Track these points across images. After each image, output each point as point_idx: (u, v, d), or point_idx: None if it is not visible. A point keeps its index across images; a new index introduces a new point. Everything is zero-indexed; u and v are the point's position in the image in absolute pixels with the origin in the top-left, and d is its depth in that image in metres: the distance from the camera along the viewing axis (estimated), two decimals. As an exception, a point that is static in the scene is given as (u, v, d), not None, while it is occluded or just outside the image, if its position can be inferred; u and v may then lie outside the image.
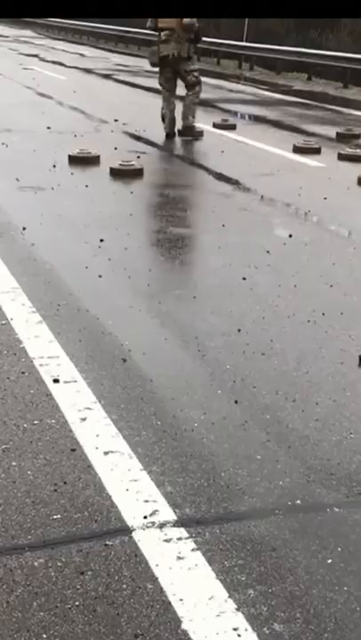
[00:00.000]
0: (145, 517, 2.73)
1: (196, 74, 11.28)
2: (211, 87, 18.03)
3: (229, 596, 2.39)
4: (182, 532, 2.68)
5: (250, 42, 24.12)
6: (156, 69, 11.34)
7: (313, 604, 2.38)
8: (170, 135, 11.25)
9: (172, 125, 11.29)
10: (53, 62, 23.11)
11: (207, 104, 14.95)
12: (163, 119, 11.33)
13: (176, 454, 3.15)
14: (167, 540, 2.63)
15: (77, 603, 2.35)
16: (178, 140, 11.18)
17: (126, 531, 2.67)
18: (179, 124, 11.29)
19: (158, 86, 11.53)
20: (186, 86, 11.33)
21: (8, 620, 2.28)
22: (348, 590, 2.44)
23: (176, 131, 11.33)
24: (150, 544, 2.61)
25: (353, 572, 2.52)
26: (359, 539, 2.68)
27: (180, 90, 11.44)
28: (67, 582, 2.43)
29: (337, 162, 9.91)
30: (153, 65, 11.37)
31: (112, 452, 3.15)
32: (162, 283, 5.24)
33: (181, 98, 11.36)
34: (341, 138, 11.79)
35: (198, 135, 11.27)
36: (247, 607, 2.35)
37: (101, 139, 10.80)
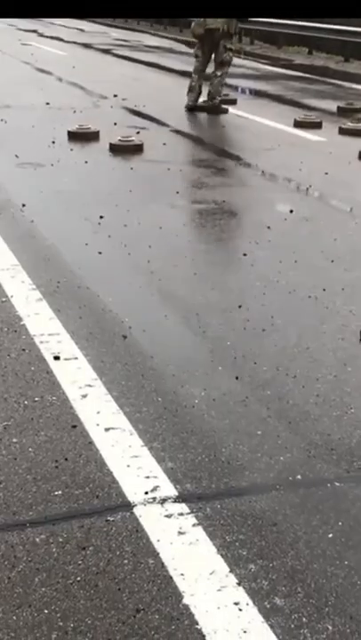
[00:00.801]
0: (146, 493, 2.74)
1: (231, 53, 11.41)
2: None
3: (230, 571, 2.40)
4: (183, 507, 2.68)
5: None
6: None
7: (314, 579, 2.39)
8: (190, 108, 11.25)
9: (197, 99, 11.32)
10: (52, 38, 22.92)
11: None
12: (190, 90, 11.34)
13: (177, 430, 3.16)
14: (168, 516, 2.63)
15: (79, 578, 2.36)
16: (178, 114, 11.10)
17: (127, 506, 2.68)
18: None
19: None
20: (218, 62, 11.34)
21: (10, 596, 2.29)
22: (349, 564, 2.45)
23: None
24: (151, 519, 2.61)
25: (354, 547, 2.53)
26: (360, 513, 2.69)
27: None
28: (68, 558, 2.44)
29: (338, 136, 9.86)
30: (196, 36, 11.47)
31: (113, 428, 3.15)
32: (162, 259, 5.22)
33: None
34: (343, 112, 11.72)
35: (225, 111, 11.37)
36: (248, 582, 2.36)
37: (101, 114, 10.73)
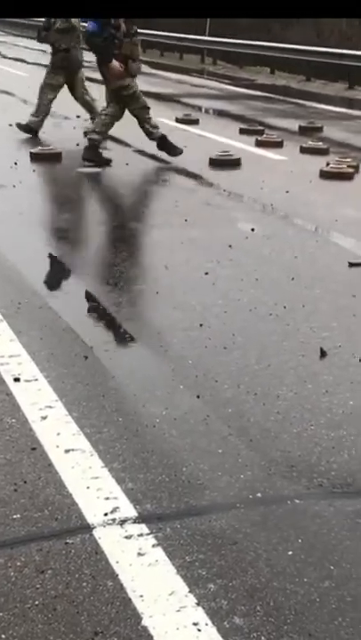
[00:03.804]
0: (105, 515, 2.73)
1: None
2: (173, 82, 18.00)
3: (190, 591, 2.39)
4: (143, 528, 2.67)
5: (212, 36, 24.11)
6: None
7: (273, 597, 2.38)
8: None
9: None
10: (15, 59, 22.90)
11: (170, 99, 14.93)
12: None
13: (137, 450, 3.15)
14: (128, 537, 2.62)
15: (37, 602, 2.34)
16: (141, 134, 11.12)
17: (87, 528, 2.66)
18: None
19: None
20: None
21: (-33, 622, 2.26)
22: (309, 581, 2.45)
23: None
24: (111, 541, 2.60)
25: (313, 564, 2.53)
26: (319, 530, 2.69)
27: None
28: (26, 582, 2.42)
29: (299, 155, 9.93)
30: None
31: (73, 449, 3.13)
32: (124, 279, 5.23)
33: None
34: (304, 131, 11.83)
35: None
36: (208, 601, 2.35)
37: (63, 135, 10.73)
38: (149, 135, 9.16)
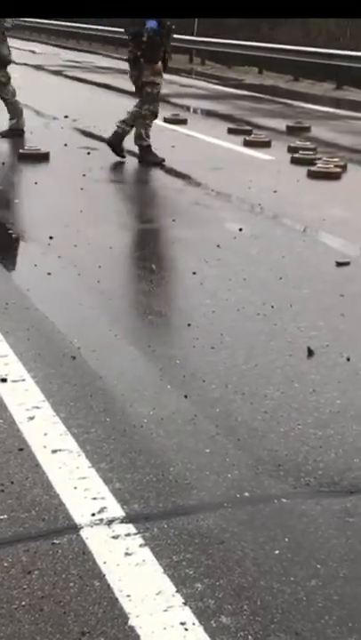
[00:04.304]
0: (93, 515, 2.72)
1: None
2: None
3: (177, 591, 2.39)
4: (130, 528, 2.67)
5: (200, 36, 24.11)
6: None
7: (260, 596, 2.39)
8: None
9: None
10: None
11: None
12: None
13: (125, 450, 3.15)
14: (115, 537, 2.62)
15: (24, 602, 2.33)
16: (128, 135, 11.12)
17: (74, 529, 2.66)
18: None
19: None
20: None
21: None
22: (295, 580, 2.46)
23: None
24: (98, 541, 2.60)
25: (300, 563, 2.54)
26: (306, 529, 2.70)
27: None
28: (13, 582, 2.41)
29: (287, 155, 9.94)
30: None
31: (60, 450, 3.13)
32: (112, 279, 5.23)
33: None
34: (291, 131, 11.85)
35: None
36: (195, 601, 2.35)
37: (51, 135, 10.72)
38: (139, 140, 9.12)
